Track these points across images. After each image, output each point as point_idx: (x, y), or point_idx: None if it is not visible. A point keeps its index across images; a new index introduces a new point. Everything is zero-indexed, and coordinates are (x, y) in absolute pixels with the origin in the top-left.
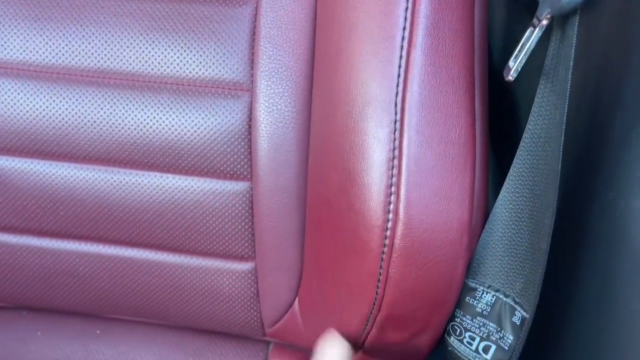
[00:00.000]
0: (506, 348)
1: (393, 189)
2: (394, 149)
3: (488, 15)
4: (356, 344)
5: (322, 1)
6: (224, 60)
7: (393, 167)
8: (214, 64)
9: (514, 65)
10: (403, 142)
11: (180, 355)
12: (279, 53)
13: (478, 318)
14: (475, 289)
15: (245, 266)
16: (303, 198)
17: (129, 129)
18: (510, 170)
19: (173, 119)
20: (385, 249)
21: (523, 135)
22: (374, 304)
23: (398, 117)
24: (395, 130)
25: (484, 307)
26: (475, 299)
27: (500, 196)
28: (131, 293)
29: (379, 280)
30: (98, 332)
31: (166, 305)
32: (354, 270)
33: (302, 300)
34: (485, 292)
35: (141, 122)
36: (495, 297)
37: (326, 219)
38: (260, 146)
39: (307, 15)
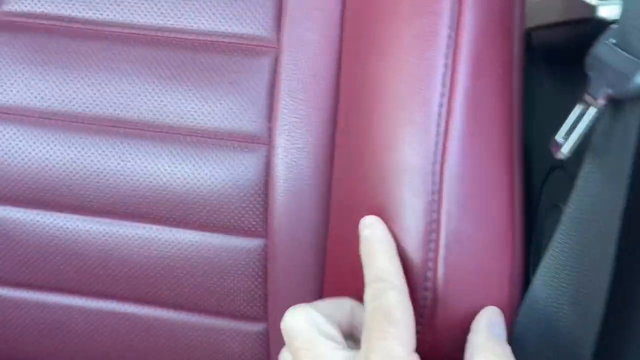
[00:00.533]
0: None
1: (430, 264)
2: (432, 222)
3: (523, 81)
4: None
5: (349, 58)
6: (241, 112)
7: (431, 241)
8: (230, 115)
9: (567, 144)
10: (442, 215)
11: None
12: (300, 106)
13: None
14: None
15: (256, 327)
16: (321, 257)
17: (137, 180)
18: (551, 245)
19: (185, 172)
20: (420, 328)
21: (565, 211)
22: None
23: (437, 187)
24: (434, 202)
25: None
26: None
27: (538, 274)
28: (134, 352)
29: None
30: None
31: None
32: None
33: None
34: None
35: (151, 174)
36: None
37: (351, 287)
38: (277, 202)
39: (331, 69)
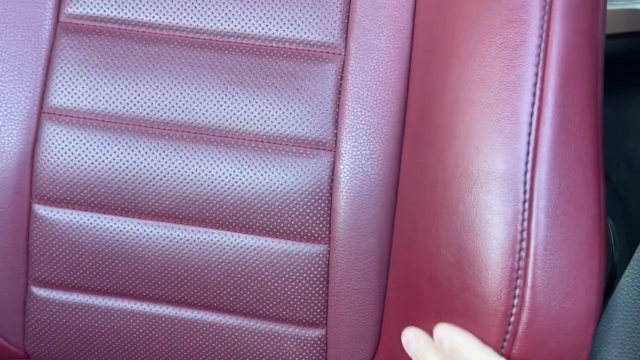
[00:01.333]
0: None
1: (520, 272)
2: (522, 231)
3: (603, 96)
4: None
5: (421, 65)
6: (307, 118)
7: (521, 250)
8: (296, 121)
9: None
10: (532, 224)
11: None
12: (368, 113)
13: None
14: None
15: (315, 333)
16: (385, 264)
17: (201, 185)
18: (637, 252)
19: (250, 177)
20: (508, 336)
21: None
22: None
23: (527, 196)
24: (524, 211)
25: None
26: None
27: (623, 280)
28: (191, 358)
29: None
30: None
31: None
32: None
33: None
34: None
35: (215, 179)
36: None
37: (430, 296)
38: (341, 208)
39: (400, 76)
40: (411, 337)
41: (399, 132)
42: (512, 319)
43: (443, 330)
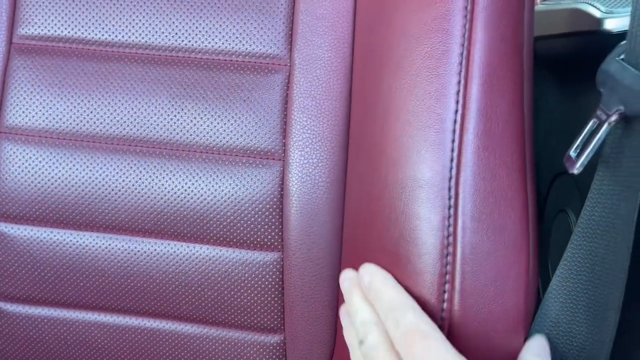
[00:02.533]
0: None
1: (448, 277)
2: (449, 236)
3: (534, 96)
4: None
5: (360, 75)
6: (255, 129)
7: (448, 255)
8: (244, 132)
9: (580, 159)
10: (457, 229)
11: None
12: (313, 122)
13: None
14: None
15: (273, 339)
16: (336, 270)
17: (155, 197)
18: (565, 254)
19: (202, 188)
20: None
21: (578, 221)
22: None
23: (452, 202)
24: (449, 216)
25: None
26: None
27: (553, 281)
28: None
29: None
30: None
31: None
32: None
33: None
34: None
35: (168, 191)
36: None
37: None
38: (292, 216)
39: (343, 86)
40: (345, 277)
41: (344, 141)
42: (442, 322)
43: (365, 268)
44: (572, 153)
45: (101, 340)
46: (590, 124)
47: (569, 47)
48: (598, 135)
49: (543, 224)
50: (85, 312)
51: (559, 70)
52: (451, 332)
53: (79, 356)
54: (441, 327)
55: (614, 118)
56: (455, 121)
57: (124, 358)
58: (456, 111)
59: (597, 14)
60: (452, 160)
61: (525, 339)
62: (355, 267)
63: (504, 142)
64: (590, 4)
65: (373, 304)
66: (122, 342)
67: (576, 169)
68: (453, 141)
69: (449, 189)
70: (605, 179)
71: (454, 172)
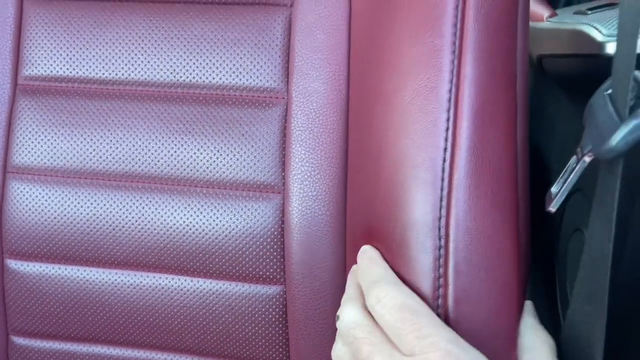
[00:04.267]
0: None
1: (440, 319)
2: (439, 278)
3: (528, 131)
4: None
5: (355, 109)
6: (254, 163)
7: (439, 297)
8: (244, 166)
9: (556, 199)
10: (449, 271)
11: None
12: (311, 155)
13: None
14: None
15: None
16: (339, 305)
17: (157, 233)
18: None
19: (203, 223)
20: None
21: (582, 257)
22: None
23: (443, 242)
24: (439, 257)
25: None
26: None
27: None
28: None
29: None
30: None
31: None
32: None
33: None
34: None
35: (170, 226)
36: None
37: None
38: (294, 249)
39: (340, 118)
40: (353, 269)
41: (343, 174)
42: None
43: (361, 249)
44: (554, 189)
45: None
46: (571, 160)
47: (574, 67)
48: (572, 175)
49: (559, 243)
50: (93, 346)
51: (570, 88)
52: None
53: None
54: None
55: (587, 158)
56: (444, 159)
57: None
58: (445, 149)
59: (598, 37)
60: (441, 199)
61: None
62: None
63: (495, 180)
64: (592, 26)
65: (359, 281)
66: None
67: (552, 207)
68: (443, 180)
69: (439, 228)
70: (594, 216)
71: (444, 212)
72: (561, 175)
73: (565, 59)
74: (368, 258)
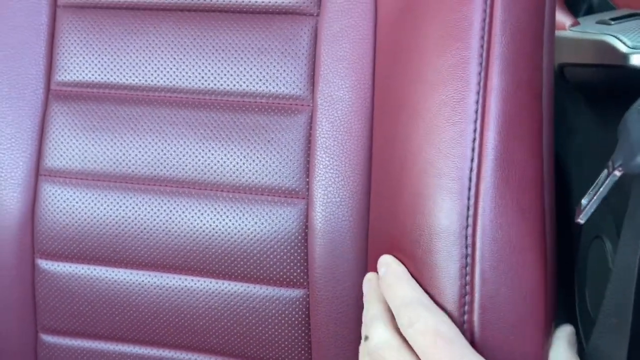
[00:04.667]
0: None
1: (466, 326)
2: (466, 285)
3: (553, 138)
4: None
5: (380, 117)
6: (279, 169)
7: (465, 305)
8: (269, 172)
9: (585, 211)
10: (475, 279)
11: None
12: (335, 162)
13: None
14: None
15: None
16: (362, 311)
17: (184, 236)
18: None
19: (229, 226)
20: None
21: (612, 270)
22: None
23: (469, 251)
24: (466, 265)
25: None
26: None
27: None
28: None
29: None
30: None
31: None
32: None
33: None
34: None
35: (197, 230)
36: None
37: None
38: (317, 254)
39: (364, 126)
40: (366, 278)
41: (366, 181)
42: None
43: (382, 259)
44: (584, 201)
45: None
46: (602, 174)
47: (596, 77)
48: (601, 189)
49: (579, 250)
50: (120, 345)
51: (591, 96)
52: None
53: None
54: None
55: (617, 173)
56: (471, 169)
57: None
58: (472, 159)
59: (623, 48)
60: (468, 208)
61: None
62: None
63: (521, 190)
64: (616, 37)
65: (386, 299)
66: None
67: (581, 218)
68: (469, 189)
69: (466, 237)
70: (626, 232)
71: (470, 220)
72: (592, 187)
73: (588, 69)
74: (394, 275)
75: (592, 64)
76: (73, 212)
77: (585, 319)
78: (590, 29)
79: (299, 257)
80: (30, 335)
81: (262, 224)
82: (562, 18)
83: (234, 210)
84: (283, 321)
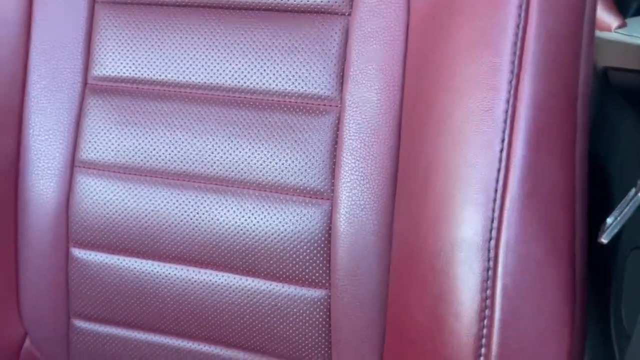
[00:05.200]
0: None
1: (484, 341)
2: (486, 299)
3: (587, 144)
4: None
5: (408, 122)
6: (305, 169)
7: (485, 318)
8: (295, 171)
9: (609, 230)
10: (496, 293)
11: None
12: (361, 164)
13: None
14: None
15: None
16: (383, 314)
17: (210, 231)
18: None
19: (253, 224)
20: None
21: None
22: None
23: (491, 264)
24: (487, 279)
25: None
26: None
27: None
28: None
29: None
30: None
31: None
32: None
33: None
34: None
35: (223, 226)
36: None
37: (411, 356)
38: (340, 256)
39: (392, 129)
40: None
41: (392, 185)
42: None
43: None
44: (609, 220)
45: (156, 357)
46: (630, 192)
47: None
48: (628, 207)
49: (617, 261)
50: (147, 334)
51: (636, 103)
52: None
53: None
54: None
55: None
56: (497, 180)
57: None
58: (499, 170)
59: None
60: (492, 220)
61: None
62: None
63: (549, 204)
64: None
65: None
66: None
67: (604, 238)
68: (495, 200)
69: (489, 250)
70: None
71: (494, 233)
72: (619, 206)
73: (633, 74)
74: None
75: (638, 70)
76: (105, 204)
77: (620, 334)
78: (638, 33)
79: (321, 258)
80: (63, 321)
81: (286, 223)
82: (609, 19)
83: (259, 208)
84: (304, 320)
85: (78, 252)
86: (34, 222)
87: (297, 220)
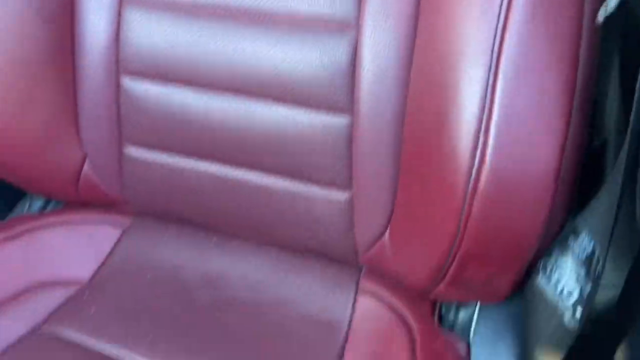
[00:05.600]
0: (585, 298)
1: (482, 133)
2: (487, 87)
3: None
4: (438, 277)
5: None
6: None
7: (484, 108)
8: (323, 1)
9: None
10: (497, 84)
11: (280, 269)
12: None
13: (572, 261)
14: (578, 233)
15: (342, 195)
16: (399, 138)
17: (243, 58)
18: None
19: (285, 52)
20: (469, 192)
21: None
22: (455, 241)
23: (494, 59)
24: (490, 71)
25: (580, 251)
26: (575, 242)
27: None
28: (242, 211)
29: (460, 220)
30: (215, 239)
31: (269, 225)
32: (439, 209)
33: (392, 235)
34: (586, 238)
35: (254, 54)
36: (592, 245)
37: (417, 163)
38: (363, 80)
39: None
40: None
41: (413, 10)
42: (473, 177)
43: None
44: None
45: (204, 184)
46: None
47: None
48: None
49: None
50: (191, 159)
51: None
52: (481, 187)
53: (182, 196)
54: (471, 182)
55: None
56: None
57: (220, 203)
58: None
59: None
60: (498, 21)
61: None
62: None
63: (555, 8)
64: None
65: None
66: (215, 186)
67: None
68: (501, 4)
69: (493, 47)
70: None
71: (499, 32)
72: None
73: None
74: None
75: None
76: (151, 34)
77: None
78: None
79: (346, 83)
80: (116, 146)
81: (315, 50)
82: None
83: (290, 37)
84: (328, 145)
85: (128, 81)
86: (87, 52)
87: (322, 49)
